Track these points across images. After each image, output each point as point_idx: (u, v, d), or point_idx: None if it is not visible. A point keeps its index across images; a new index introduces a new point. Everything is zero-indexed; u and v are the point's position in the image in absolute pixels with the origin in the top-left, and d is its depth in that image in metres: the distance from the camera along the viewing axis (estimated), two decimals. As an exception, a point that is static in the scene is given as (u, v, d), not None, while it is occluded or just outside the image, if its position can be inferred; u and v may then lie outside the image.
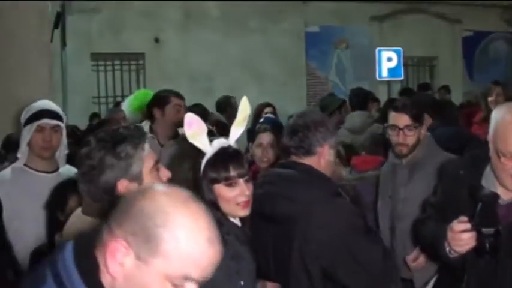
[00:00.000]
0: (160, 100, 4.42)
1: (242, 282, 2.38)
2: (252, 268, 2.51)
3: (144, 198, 1.38)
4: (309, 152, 2.73)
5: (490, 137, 2.38)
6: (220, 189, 2.44)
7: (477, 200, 2.33)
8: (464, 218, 2.33)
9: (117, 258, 1.35)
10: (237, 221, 2.52)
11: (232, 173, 2.43)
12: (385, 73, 8.62)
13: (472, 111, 6.71)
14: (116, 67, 9.53)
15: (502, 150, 2.32)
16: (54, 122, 3.37)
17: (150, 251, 1.33)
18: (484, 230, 2.26)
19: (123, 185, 2.09)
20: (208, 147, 2.47)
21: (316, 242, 2.56)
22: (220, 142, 2.52)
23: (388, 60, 8.51)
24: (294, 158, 2.77)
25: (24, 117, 3.38)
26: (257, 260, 2.54)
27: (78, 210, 2.33)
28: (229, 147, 2.51)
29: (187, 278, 1.34)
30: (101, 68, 9.44)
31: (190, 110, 3.24)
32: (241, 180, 2.44)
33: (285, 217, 2.65)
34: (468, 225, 2.31)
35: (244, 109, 2.57)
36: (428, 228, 2.66)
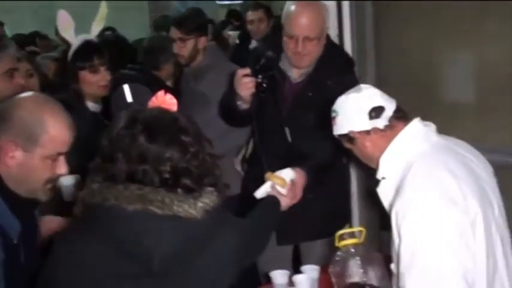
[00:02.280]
0: None
1: None
2: None
3: (17, 108, 1.90)
4: None
5: (282, 23, 2.92)
6: (85, 75, 2.99)
7: (261, 58, 2.82)
8: (247, 68, 2.83)
9: (9, 154, 1.87)
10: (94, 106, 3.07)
11: (96, 61, 3.00)
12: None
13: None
14: None
15: (286, 32, 2.87)
16: None
17: (32, 144, 1.88)
18: (261, 74, 2.77)
19: None
20: (75, 40, 3.07)
21: None
22: (84, 36, 3.06)
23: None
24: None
25: None
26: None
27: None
28: (92, 40, 3.10)
29: (59, 154, 1.94)
30: None
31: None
32: (102, 68, 3.01)
33: None
34: (249, 71, 2.79)
35: (103, 10, 3.17)
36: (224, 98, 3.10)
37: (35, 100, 1.96)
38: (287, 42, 2.86)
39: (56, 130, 1.90)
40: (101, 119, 3.07)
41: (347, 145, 2.18)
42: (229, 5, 9.70)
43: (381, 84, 3.39)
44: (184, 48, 3.56)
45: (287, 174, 2.43)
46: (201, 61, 3.58)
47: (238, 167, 3.34)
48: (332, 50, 3.01)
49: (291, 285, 2.51)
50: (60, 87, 3.01)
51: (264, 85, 2.75)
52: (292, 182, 2.43)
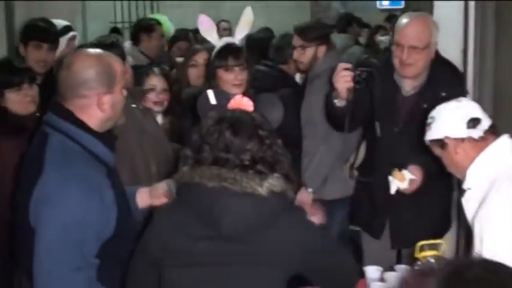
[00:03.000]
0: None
1: None
2: None
3: (86, 68, 2.20)
4: None
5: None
6: (221, 73, 3.27)
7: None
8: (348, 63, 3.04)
9: (101, 103, 2.20)
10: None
11: (230, 62, 3.28)
12: (385, 2, 9.23)
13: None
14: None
15: (395, 41, 3.06)
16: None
17: (113, 84, 2.22)
18: (359, 68, 2.97)
19: None
20: (218, 42, 3.46)
21: None
22: (226, 39, 3.39)
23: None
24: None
25: None
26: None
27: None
28: (232, 43, 3.40)
29: (123, 87, 2.29)
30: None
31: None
32: (236, 68, 3.27)
33: None
34: (349, 65, 3.01)
35: (247, 14, 3.37)
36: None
37: (92, 55, 2.29)
38: (395, 51, 3.06)
39: (118, 64, 2.29)
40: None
41: (437, 151, 2.37)
42: (390, 9, 9.78)
43: (495, 103, 3.49)
44: (304, 55, 3.81)
45: (407, 173, 2.85)
46: (317, 67, 3.77)
47: (347, 172, 3.55)
48: (442, 64, 3.16)
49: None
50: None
51: (362, 78, 2.94)
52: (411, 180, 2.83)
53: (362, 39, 7.25)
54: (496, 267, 1.44)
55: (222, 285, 2.02)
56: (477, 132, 2.26)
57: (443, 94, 2.94)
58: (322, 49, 3.79)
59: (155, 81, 3.46)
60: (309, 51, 3.79)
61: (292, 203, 2.10)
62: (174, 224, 2.07)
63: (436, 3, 3.61)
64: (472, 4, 3.48)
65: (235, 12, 3.58)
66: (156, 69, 3.56)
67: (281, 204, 2.02)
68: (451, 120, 2.31)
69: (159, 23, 5.51)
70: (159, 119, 3.51)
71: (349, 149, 3.51)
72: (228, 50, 3.30)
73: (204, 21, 3.39)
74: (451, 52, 3.42)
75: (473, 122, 2.26)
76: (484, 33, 3.50)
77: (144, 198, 2.59)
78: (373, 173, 3.24)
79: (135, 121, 3.15)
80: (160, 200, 2.53)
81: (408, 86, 3.13)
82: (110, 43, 3.33)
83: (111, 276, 2.24)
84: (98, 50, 2.38)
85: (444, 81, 3.08)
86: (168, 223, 2.09)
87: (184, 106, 3.47)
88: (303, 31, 3.85)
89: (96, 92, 2.21)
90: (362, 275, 2.71)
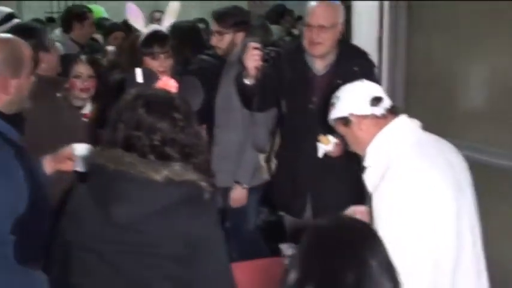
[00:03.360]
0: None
1: None
2: None
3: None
4: None
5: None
6: (147, 60, 3.37)
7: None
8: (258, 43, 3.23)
9: (6, 86, 2.23)
10: None
11: (156, 49, 3.39)
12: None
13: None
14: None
15: (305, 22, 3.28)
16: None
17: (20, 69, 2.25)
18: (268, 48, 3.22)
19: None
20: (144, 29, 3.51)
21: None
22: (153, 27, 3.51)
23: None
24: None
25: None
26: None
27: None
28: (159, 31, 3.48)
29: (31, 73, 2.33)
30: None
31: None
32: (162, 55, 3.38)
33: None
34: (258, 45, 3.18)
35: (174, 4, 3.54)
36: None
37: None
38: (305, 31, 3.26)
39: (27, 50, 2.34)
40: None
41: (341, 129, 2.47)
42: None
43: (408, 83, 3.73)
44: (221, 41, 3.81)
45: (331, 137, 3.07)
46: (233, 55, 3.76)
47: (263, 163, 3.71)
48: (349, 45, 3.44)
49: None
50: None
51: (270, 56, 3.19)
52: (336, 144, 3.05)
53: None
54: (344, 222, 1.65)
55: (115, 274, 1.97)
56: (379, 110, 2.38)
57: (355, 68, 3.18)
58: (240, 36, 3.78)
59: (82, 69, 3.52)
60: (227, 38, 3.78)
61: (201, 194, 1.98)
62: (79, 206, 2.06)
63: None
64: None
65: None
66: (82, 57, 3.63)
67: (181, 194, 1.94)
68: (355, 98, 2.42)
69: (90, 10, 5.56)
70: (88, 106, 3.58)
71: (262, 138, 3.66)
72: (154, 38, 3.40)
73: (131, 10, 3.50)
74: (368, 40, 3.63)
75: (376, 100, 2.39)
76: (397, 23, 3.72)
77: (50, 164, 2.66)
78: (292, 154, 3.40)
79: (54, 110, 3.25)
80: (66, 164, 2.62)
81: (319, 66, 3.32)
82: (25, 28, 3.37)
83: (28, 253, 2.28)
84: (6, 35, 2.42)
85: (353, 58, 3.31)
86: (74, 205, 2.08)
87: (111, 91, 3.55)
88: (220, 17, 3.85)
89: (2, 76, 2.26)
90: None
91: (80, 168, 2.68)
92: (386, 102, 2.43)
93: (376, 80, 3.36)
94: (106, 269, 1.98)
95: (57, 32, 5.51)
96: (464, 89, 3.41)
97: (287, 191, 3.47)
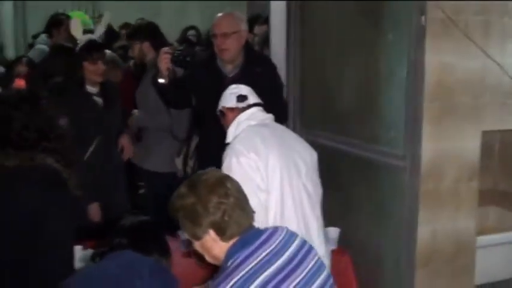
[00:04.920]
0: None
1: None
2: None
3: None
4: None
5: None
6: (87, 65, 3.96)
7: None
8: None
9: None
10: (91, 88, 4.02)
11: (95, 55, 3.97)
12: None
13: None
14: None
15: (212, 33, 3.79)
16: None
17: None
18: (177, 51, 3.80)
19: None
20: (83, 38, 4.22)
21: None
22: (88, 36, 4.20)
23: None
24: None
25: None
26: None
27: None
28: (95, 40, 4.13)
29: None
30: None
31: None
32: (99, 61, 3.96)
33: None
34: (169, 50, 3.78)
35: (105, 17, 4.36)
36: None
37: None
38: (214, 41, 3.78)
39: None
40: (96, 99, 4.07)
41: (221, 119, 3.16)
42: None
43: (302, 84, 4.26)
44: (132, 51, 4.61)
45: None
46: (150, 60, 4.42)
47: (180, 167, 4.19)
48: (253, 49, 3.96)
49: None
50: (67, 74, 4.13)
51: (179, 59, 3.75)
52: None
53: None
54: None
55: None
56: (242, 104, 3.08)
57: (258, 70, 3.73)
58: (146, 45, 4.48)
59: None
60: (136, 47, 4.54)
61: (58, 180, 2.33)
62: None
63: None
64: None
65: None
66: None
67: (29, 176, 2.29)
68: (227, 96, 3.14)
69: (68, 17, 6.16)
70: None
71: (177, 127, 4.24)
72: (92, 46, 4.03)
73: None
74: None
75: (242, 98, 3.09)
76: (291, 25, 4.22)
77: None
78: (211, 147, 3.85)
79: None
80: None
81: (229, 69, 3.82)
82: None
83: None
84: None
85: (258, 61, 3.85)
86: None
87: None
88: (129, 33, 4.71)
89: None
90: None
91: None
92: (251, 100, 3.10)
93: (279, 79, 3.96)
94: None
95: (44, 36, 6.16)
96: (340, 90, 3.85)
97: None
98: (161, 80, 3.77)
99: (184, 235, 2.40)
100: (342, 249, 3.55)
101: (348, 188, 3.76)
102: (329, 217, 3.45)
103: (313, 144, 3.20)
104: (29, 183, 2.30)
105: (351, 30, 3.67)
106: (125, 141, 4.17)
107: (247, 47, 3.87)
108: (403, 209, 3.30)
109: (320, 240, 3.00)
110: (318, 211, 3.07)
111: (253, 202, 2.71)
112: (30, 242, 2.26)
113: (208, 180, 2.18)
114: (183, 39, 6.64)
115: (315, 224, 3.02)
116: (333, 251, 3.43)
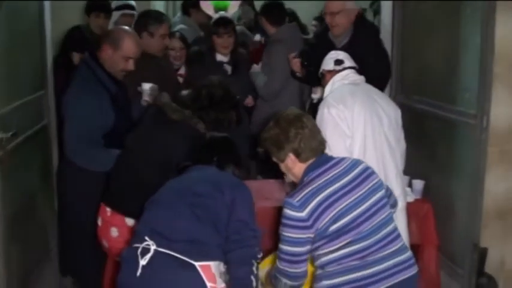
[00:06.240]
0: None
1: None
2: None
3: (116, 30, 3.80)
4: None
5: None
6: (214, 38, 4.74)
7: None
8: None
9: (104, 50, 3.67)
10: (222, 57, 4.79)
11: (221, 30, 4.76)
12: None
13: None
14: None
15: (324, 10, 4.39)
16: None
17: (117, 46, 3.58)
18: (301, 52, 4.48)
19: None
20: (215, 15, 4.99)
21: None
22: (221, 13, 4.93)
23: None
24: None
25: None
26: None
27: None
28: (225, 17, 4.87)
29: (129, 57, 3.62)
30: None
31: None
32: (225, 35, 4.73)
33: None
34: (295, 55, 4.57)
35: None
36: None
37: (121, 28, 3.79)
38: (325, 18, 4.34)
39: (128, 42, 3.62)
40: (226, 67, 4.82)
41: (323, 81, 3.70)
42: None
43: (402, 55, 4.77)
44: None
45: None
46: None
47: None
48: (363, 23, 4.35)
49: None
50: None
51: (305, 61, 4.50)
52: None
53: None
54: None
55: None
56: (339, 67, 3.62)
57: (364, 40, 4.22)
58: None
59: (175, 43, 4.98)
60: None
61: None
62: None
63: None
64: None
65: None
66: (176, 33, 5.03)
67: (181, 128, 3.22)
68: (326, 60, 3.71)
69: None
70: (183, 68, 5.05)
71: None
72: (221, 21, 4.83)
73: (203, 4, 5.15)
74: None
75: (339, 62, 3.64)
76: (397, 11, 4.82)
77: None
78: None
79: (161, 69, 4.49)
80: None
81: (338, 40, 4.33)
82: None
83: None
84: (130, 30, 3.91)
85: (364, 32, 4.29)
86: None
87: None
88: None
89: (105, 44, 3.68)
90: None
91: (146, 97, 3.90)
92: (347, 63, 3.66)
93: (382, 48, 4.43)
94: None
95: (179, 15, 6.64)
96: (430, 60, 4.33)
97: None
98: (299, 74, 4.61)
99: (287, 178, 2.99)
100: (425, 198, 4.04)
101: (431, 145, 4.18)
102: (415, 171, 3.96)
103: (407, 106, 3.73)
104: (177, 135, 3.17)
105: (438, 10, 4.12)
106: (249, 101, 4.94)
107: (358, 20, 4.30)
108: (474, 164, 3.62)
109: (397, 184, 3.45)
110: (398, 161, 3.50)
111: (340, 146, 3.39)
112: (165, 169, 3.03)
113: (289, 116, 2.84)
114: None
115: (393, 171, 3.46)
116: (417, 200, 3.98)
